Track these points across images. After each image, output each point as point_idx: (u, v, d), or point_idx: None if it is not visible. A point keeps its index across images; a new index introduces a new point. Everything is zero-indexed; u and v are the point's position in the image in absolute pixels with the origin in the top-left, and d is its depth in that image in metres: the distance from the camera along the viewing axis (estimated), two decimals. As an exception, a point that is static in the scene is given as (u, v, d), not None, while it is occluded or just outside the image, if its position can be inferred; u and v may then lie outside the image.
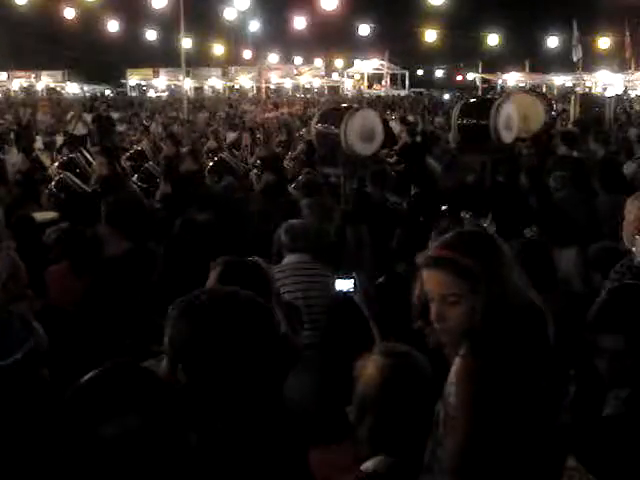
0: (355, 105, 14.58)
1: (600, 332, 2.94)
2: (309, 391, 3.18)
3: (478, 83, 62.57)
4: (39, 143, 22.02)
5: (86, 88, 68.30)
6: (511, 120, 11.33)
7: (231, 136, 20.15)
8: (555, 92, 52.00)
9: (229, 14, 31.53)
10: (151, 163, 12.07)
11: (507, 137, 11.28)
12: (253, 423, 2.14)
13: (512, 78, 60.75)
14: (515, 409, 2.26)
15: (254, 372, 2.14)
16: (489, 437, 2.24)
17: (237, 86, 67.91)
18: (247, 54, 56.67)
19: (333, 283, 3.86)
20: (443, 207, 7.13)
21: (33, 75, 67.00)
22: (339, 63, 67.10)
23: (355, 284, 3.64)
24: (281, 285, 5.23)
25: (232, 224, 7.15)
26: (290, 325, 3.38)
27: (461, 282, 2.36)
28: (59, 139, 21.48)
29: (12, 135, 20.36)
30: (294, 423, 2.39)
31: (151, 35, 41.31)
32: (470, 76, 63.45)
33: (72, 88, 66.32)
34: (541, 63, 56.18)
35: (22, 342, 2.59)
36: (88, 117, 21.95)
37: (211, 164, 12.62)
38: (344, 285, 3.72)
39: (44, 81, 67.23)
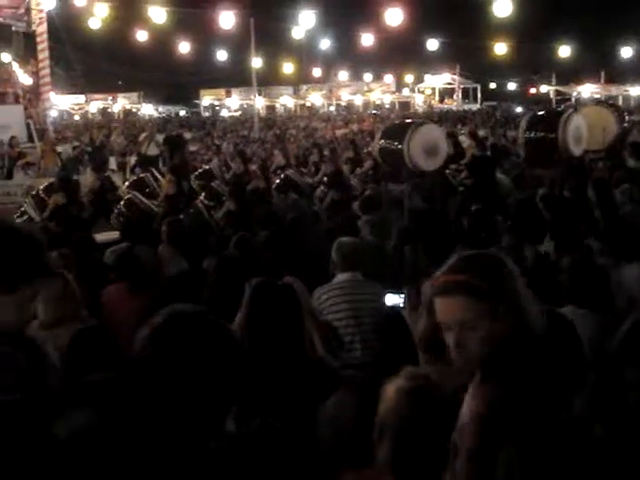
0: (418, 120, 14.48)
1: (625, 364, 2.79)
2: (349, 411, 3.13)
3: (552, 95, 61.67)
4: (112, 164, 22.61)
5: (161, 109, 69.91)
6: (580, 133, 11.08)
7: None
8: (632, 103, 50.87)
9: (297, 33, 31.78)
10: (217, 182, 12.21)
11: (576, 150, 11.02)
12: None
13: (587, 90, 59.66)
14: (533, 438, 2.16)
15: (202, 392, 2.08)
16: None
17: (308, 104, 68.53)
18: (317, 72, 57.00)
19: (384, 299, 3.80)
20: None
21: (110, 97, 68.90)
22: (409, 78, 66.92)
23: (405, 299, 3.57)
24: (331, 304, 5.20)
25: (292, 242, 7.14)
26: (328, 348, 3.34)
27: (480, 305, 2.25)
28: (132, 160, 21.99)
29: (86, 156, 20.92)
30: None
31: (222, 55, 41.95)
32: (544, 88, 62.52)
33: (147, 109, 67.92)
34: (616, 73, 55.02)
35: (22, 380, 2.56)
36: (160, 137, 22.36)
37: (277, 181, 12.73)
38: (394, 300, 3.65)
39: (120, 103, 69.10)
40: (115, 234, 8.45)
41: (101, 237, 8.50)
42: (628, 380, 2.72)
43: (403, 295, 3.58)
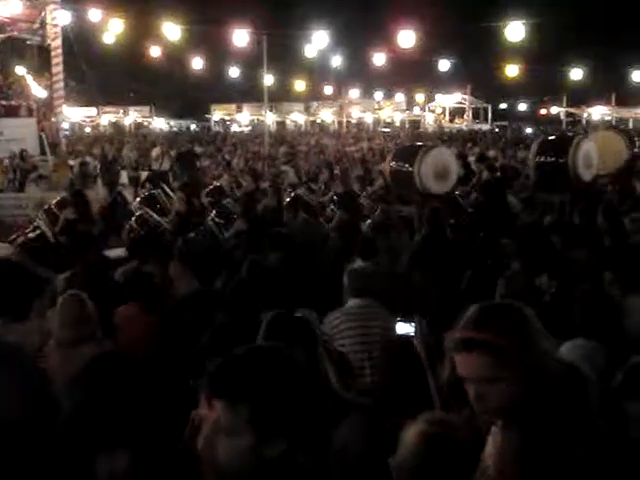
0: (429, 143, 14.53)
1: (626, 399, 2.80)
2: (360, 439, 3.15)
3: (562, 117, 61.71)
4: (124, 178, 22.70)
5: (172, 123, 70.22)
6: (590, 158, 11.12)
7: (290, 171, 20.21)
8: (642, 126, 50.84)
9: (309, 51, 31.93)
10: (229, 200, 12.21)
11: (586, 175, 11.07)
12: None
13: (597, 112, 59.70)
14: None
15: None
16: None
17: (319, 120, 68.77)
18: (328, 89, 57.21)
19: (394, 327, 3.83)
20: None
21: (121, 110, 69.25)
22: (420, 97, 67.07)
23: (416, 329, 3.59)
24: (342, 329, 5.24)
25: (303, 264, 7.17)
26: (341, 379, 3.38)
27: (498, 363, 2.28)
28: (143, 174, 22.08)
29: (98, 170, 21.03)
30: None
31: (234, 72, 42.13)
32: (554, 110, 62.58)
33: (158, 123, 68.24)
34: (627, 96, 55.01)
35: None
36: (171, 153, 22.51)
37: (287, 200, 12.74)
38: (405, 329, 3.68)
39: (132, 116, 69.42)
40: (125, 250, 8.47)
41: (112, 253, 8.53)
42: (631, 414, 2.75)
43: (414, 324, 3.60)
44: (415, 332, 3.60)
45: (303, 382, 2.19)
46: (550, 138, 13.43)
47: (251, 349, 2.30)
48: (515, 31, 26.01)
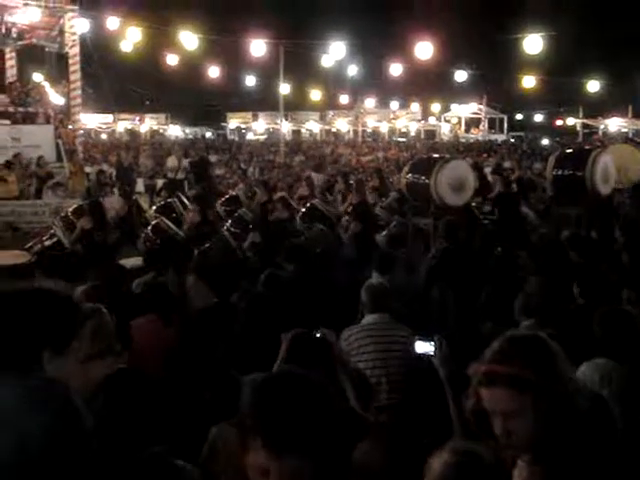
0: (446, 155, 14.50)
1: None
2: (380, 456, 3.13)
3: (579, 128, 61.48)
4: (140, 186, 22.79)
5: (188, 130, 70.46)
6: (608, 171, 11.06)
7: (315, 178, 20.21)
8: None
9: (326, 61, 31.98)
10: (244, 209, 12.19)
11: (604, 189, 11.00)
12: None
13: (614, 123, 59.44)
14: None
15: None
16: None
17: (334, 129, 68.82)
18: (344, 99, 57.23)
19: (413, 344, 3.80)
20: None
21: (137, 117, 69.52)
22: (436, 107, 67.02)
23: (435, 348, 3.57)
24: (359, 345, 5.22)
25: (318, 275, 7.15)
26: (359, 399, 3.36)
27: (524, 397, 2.27)
28: (159, 182, 22.15)
29: (114, 177, 21.10)
30: None
31: (250, 80, 42.26)
32: (570, 121, 62.34)
33: (174, 130, 68.49)
34: (645, 108, 54.84)
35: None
36: (186, 161, 22.53)
37: (303, 210, 12.71)
38: (424, 348, 3.65)
39: (148, 123, 69.71)
40: (141, 260, 8.47)
41: (128, 263, 8.54)
42: None
43: (433, 343, 3.57)
44: (435, 351, 3.56)
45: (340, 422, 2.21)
46: (568, 151, 13.35)
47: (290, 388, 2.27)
48: (533, 43, 25.95)
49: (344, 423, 2.31)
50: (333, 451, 2.15)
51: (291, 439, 2.10)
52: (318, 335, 3.53)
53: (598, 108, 56.53)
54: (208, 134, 69.78)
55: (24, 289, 2.97)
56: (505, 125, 68.01)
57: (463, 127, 68.09)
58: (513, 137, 61.34)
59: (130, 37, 27.54)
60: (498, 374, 2.30)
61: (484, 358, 2.37)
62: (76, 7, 23.87)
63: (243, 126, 72.20)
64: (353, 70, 39.89)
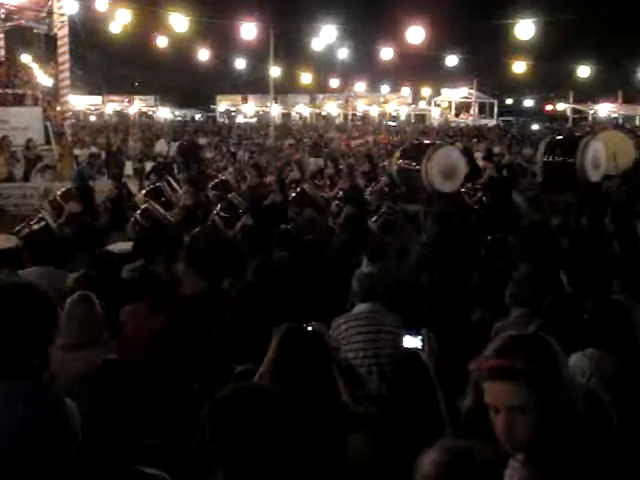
0: (437, 142, 14.46)
1: None
2: (370, 450, 3.12)
3: (569, 113, 61.51)
4: (129, 169, 22.65)
5: (177, 113, 70.14)
6: (599, 158, 11.08)
7: (312, 163, 20.18)
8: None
9: (317, 44, 31.80)
10: (234, 194, 12.14)
11: (594, 176, 11.03)
12: None
13: (604, 109, 59.52)
14: None
15: None
16: None
17: (324, 113, 68.64)
18: (334, 82, 57.00)
19: (402, 337, 3.77)
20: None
21: (126, 99, 69.11)
22: (426, 91, 66.87)
23: (423, 341, 3.53)
24: (350, 334, 5.20)
25: (309, 261, 7.12)
26: (351, 394, 3.35)
27: (530, 392, 2.27)
28: (148, 165, 22.02)
29: (102, 159, 20.96)
30: None
31: (240, 63, 42.02)
32: (561, 106, 62.34)
33: (163, 112, 68.16)
34: (634, 94, 54.80)
35: None
36: (175, 145, 22.42)
37: (293, 195, 12.68)
38: (412, 342, 3.61)
39: (137, 105, 69.31)
40: (130, 245, 8.39)
41: (116, 248, 8.47)
42: None
43: (421, 337, 3.54)
44: (423, 346, 3.53)
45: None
46: (558, 138, 13.38)
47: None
48: (525, 29, 25.86)
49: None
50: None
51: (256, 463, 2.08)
52: (310, 329, 3.49)
53: (588, 93, 56.57)
54: (197, 116, 69.48)
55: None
56: (495, 110, 67.97)
57: (453, 111, 68.04)
58: (503, 122, 61.30)
59: (119, 19, 27.26)
60: (507, 368, 2.30)
61: (485, 354, 2.37)
62: (65, -12, 23.65)
63: (233, 109, 71.91)
64: (344, 53, 39.76)
